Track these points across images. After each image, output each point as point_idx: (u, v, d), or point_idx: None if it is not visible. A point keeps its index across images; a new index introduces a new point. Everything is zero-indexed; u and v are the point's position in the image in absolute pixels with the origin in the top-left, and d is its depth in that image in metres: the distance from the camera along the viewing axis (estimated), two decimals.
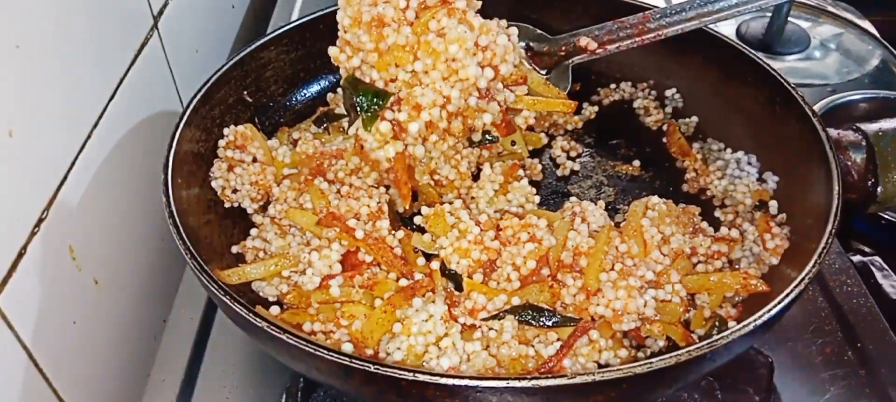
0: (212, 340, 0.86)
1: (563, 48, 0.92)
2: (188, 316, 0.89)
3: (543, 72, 0.93)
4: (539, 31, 0.94)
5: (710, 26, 0.89)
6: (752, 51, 0.91)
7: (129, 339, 0.88)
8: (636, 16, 0.89)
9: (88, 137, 0.78)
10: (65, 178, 0.74)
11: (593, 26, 0.91)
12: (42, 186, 0.71)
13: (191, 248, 0.68)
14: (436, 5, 0.76)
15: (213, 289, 0.65)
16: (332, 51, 0.81)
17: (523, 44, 0.92)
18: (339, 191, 0.82)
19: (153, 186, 0.75)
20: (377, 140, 0.79)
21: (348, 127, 0.82)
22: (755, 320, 0.61)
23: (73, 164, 0.75)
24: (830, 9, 1.55)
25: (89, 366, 0.79)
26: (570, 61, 0.92)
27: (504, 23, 0.83)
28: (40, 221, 0.70)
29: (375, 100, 0.78)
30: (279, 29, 0.96)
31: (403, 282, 0.74)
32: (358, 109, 0.78)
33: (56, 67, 0.73)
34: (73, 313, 0.76)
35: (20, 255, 0.67)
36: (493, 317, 0.70)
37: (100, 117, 0.81)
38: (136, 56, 0.90)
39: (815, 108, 1.09)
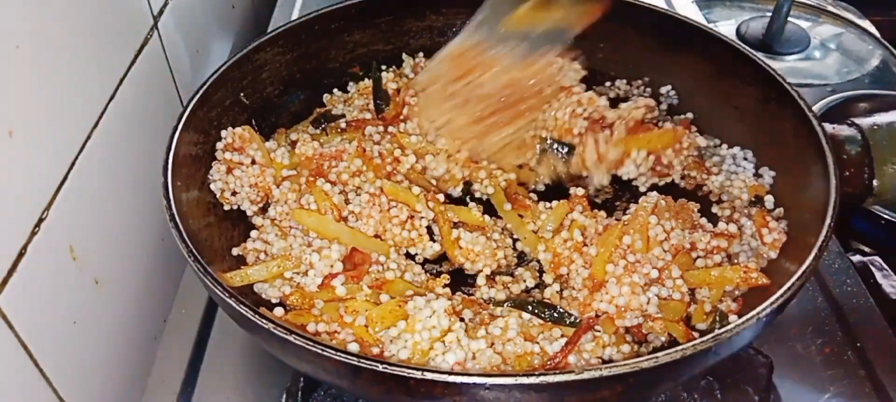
0: (212, 340, 0.86)
1: None
2: (188, 316, 0.89)
3: None
4: None
5: (705, 24, 0.89)
6: (746, 47, 0.91)
7: (129, 339, 0.88)
8: None
9: (89, 137, 0.78)
10: (65, 178, 0.74)
11: None
12: (42, 185, 0.71)
13: (194, 251, 0.68)
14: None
15: (217, 292, 0.65)
16: None
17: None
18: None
19: (153, 187, 0.75)
20: None
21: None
22: (759, 313, 0.61)
23: (73, 164, 0.75)
24: (830, 9, 1.55)
25: (89, 366, 0.79)
26: None
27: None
28: (41, 221, 0.69)
29: None
30: (275, 30, 0.95)
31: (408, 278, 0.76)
32: None
33: (56, 67, 0.73)
34: (74, 313, 0.75)
35: (20, 255, 0.66)
36: (499, 304, 0.71)
37: (100, 117, 0.81)
38: (137, 56, 0.90)
39: (815, 108, 1.09)
